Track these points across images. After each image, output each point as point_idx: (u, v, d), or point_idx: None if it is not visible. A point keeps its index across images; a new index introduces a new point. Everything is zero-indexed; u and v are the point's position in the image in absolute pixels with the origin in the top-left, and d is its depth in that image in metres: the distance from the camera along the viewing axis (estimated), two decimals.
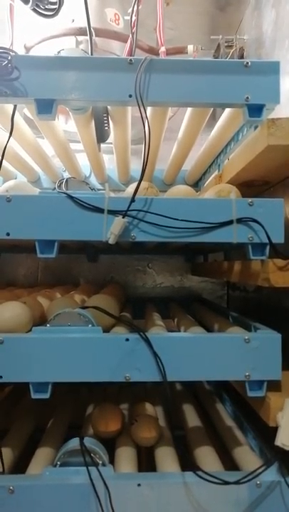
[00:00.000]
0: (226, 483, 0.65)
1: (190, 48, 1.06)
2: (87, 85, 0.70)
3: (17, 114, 0.96)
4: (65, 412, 1.04)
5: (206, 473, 0.67)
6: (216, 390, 1.24)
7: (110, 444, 0.85)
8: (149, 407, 0.99)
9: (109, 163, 1.38)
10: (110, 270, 1.52)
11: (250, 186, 0.99)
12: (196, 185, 1.44)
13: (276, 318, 1.01)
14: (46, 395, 0.69)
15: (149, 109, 0.83)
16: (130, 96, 0.70)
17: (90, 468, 0.70)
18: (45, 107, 0.70)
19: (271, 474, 0.70)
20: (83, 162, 1.31)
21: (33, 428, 0.96)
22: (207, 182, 1.24)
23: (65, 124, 1.52)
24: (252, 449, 0.85)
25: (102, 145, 1.22)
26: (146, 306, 1.30)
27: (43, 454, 0.82)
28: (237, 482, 0.65)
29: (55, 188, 0.72)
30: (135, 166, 1.30)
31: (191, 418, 1.01)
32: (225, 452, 0.87)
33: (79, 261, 1.51)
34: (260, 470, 0.66)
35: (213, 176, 1.13)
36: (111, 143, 1.09)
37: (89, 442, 0.75)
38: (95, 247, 1.47)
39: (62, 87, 0.70)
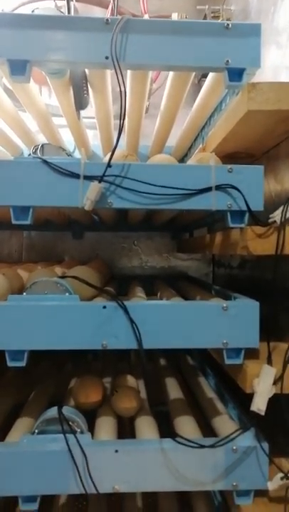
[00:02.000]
0: (202, 446, 0.65)
1: (174, 16, 1.03)
2: (61, 46, 0.68)
3: None
4: (48, 386, 1.04)
5: (182, 437, 0.67)
6: (200, 365, 1.24)
7: (92, 416, 0.85)
8: (130, 379, 0.99)
9: (94, 139, 1.35)
10: (96, 248, 1.50)
11: (234, 159, 0.97)
12: (182, 161, 1.43)
13: (259, 292, 1.01)
14: (22, 363, 0.68)
15: (128, 75, 0.81)
16: (107, 58, 0.67)
17: (67, 435, 0.70)
18: (19, 68, 0.67)
19: (247, 440, 0.71)
20: (68, 138, 1.29)
21: (14, 403, 0.96)
22: (192, 157, 1.22)
23: (49, 98, 1.49)
24: (231, 418, 0.86)
25: (86, 120, 1.20)
26: (131, 284, 1.30)
27: (22, 424, 0.82)
28: (212, 446, 0.66)
29: (30, 154, 0.70)
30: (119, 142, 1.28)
31: (174, 391, 1.02)
32: (206, 424, 0.87)
33: (64, 238, 1.49)
34: (235, 434, 0.66)
35: (197, 150, 1.12)
36: (94, 117, 1.07)
37: (67, 411, 0.75)
38: (80, 224, 1.46)
39: (36, 47, 0.67)
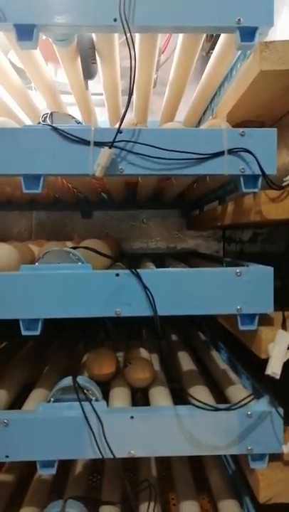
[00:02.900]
0: (217, 409, 0.65)
1: None
2: (68, 9, 0.66)
3: (3, 58, 0.92)
4: (61, 362, 1.05)
5: (197, 400, 0.67)
6: (212, 341, 1.24)
7: (106, 389, 0.86)
8: (143, 352, 0.99)
9: (101, 116, 1.34)
10: (105, 226, 1.50)
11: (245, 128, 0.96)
12: None
13: (271, 264, 1.00)
14: (36, 332, 0.68)
15: (137, 45, 0.80)
16: (115, 20, 0.66)
17: (83, 403, 0.70)
18: (26, 34, 0.66)
19: (262, 405, 0.71)
20: (76, 115, 1.27)
21: (27, 379, 0.97)
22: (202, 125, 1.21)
23: (55, 75, 1.47)
24: (245, 387, 0.86)
25: (93, 97, 1.19)
26: (141, 261, 1.30)
27: (37, 394, 0.83)
28: (227, 409, 0.66)
29: (39, 122, 0.69)
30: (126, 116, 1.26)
31: (186, 364, 1.02)
32: (220, 394, 0.88)
33: (73, 217, 1.49)
34: (249, 399, 0.66)
35: (207, 121, 1.10)
36: (101, 93, 1.06)
37: (82, 380, 0.76)
38: (89, 203, 1.45)
39: (43, 10, 0.66)
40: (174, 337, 1.29)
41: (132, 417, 0.70)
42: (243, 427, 0.70)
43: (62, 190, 1.23)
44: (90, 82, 0.92)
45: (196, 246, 1.53)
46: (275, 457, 0.72)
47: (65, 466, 0.95)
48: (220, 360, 1.05)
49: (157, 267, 1.11)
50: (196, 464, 0.96)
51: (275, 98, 0.78)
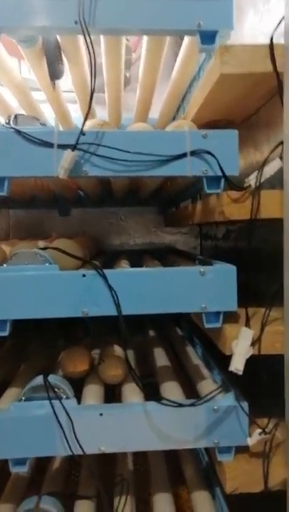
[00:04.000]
0: (181, 405, 0.67)
1: None
2: (31, 11, 0.66)
3: None
4: (38, 360, 1.06)
5: (164, 398, 0.69)
6: (188, 336, 1.27)
7: (80, 386, 0.87)
8: (117, 349, 1.01)
9: (76, 112, 1.34)
10: (83, 224, 1.51)
11: (214, 127, 0.97)
12: None
13: (242, 260, 1.02)
14: (5, 333, 0.69)
15: (102, 44, 0.80)
16: (76, 22, 0.66)
17: (53, 401, 0.72)
18: None
19: (228, 400, 0.73)
20: (50, 113, 1.27)
21: (5, 378, 0.98)
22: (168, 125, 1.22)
23: (29, 73, 1.46)
24: (215, 382, 0.88)
25: (68, 94, 1.18)
26: (118, 258, 1.31)
27: (11, 393, 0.84)
28: (192, 405, 0.68)
29: (3, 125, 0.70)
30: (100, 114, 1.27)
31: (161, 360, 1.04)
32: (191, 389, 0.90)
33: (51, 216, 1.49)
34: (213, 394, 0.69)
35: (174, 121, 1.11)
36: (73, 91, 1.06)
37: (53, 379, 0.77)
38: (66, 201, 1.45)
39: (5, 12, 0.66)
40: (151, 332, 1.30)
41: (101, 414, 0.72)
42: (209, 421, 0.72)
43: (38, 189, 1.23)
44: (64, 77, 0.92)
45: (174, 242, 1.55)
46: (241, 449, 0.74)
47: (47, 460, 0.97)
48: (194, 355, 1.08)
49: (134, 264, 1.12)
50: (173, 458, 0.98)
51: (238, 99, 0.80)
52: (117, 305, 0.67)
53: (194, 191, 1.22)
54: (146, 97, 1.07)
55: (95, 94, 0.70)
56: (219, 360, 0.96)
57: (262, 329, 0.71)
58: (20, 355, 1.13)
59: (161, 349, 1.12)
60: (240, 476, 0.73)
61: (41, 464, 0.96)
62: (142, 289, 0.70)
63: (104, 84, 0.99)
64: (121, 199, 1.44)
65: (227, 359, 0.73)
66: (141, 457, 1.03)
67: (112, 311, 0.69)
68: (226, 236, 1.20)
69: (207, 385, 0.85)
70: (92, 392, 0.83)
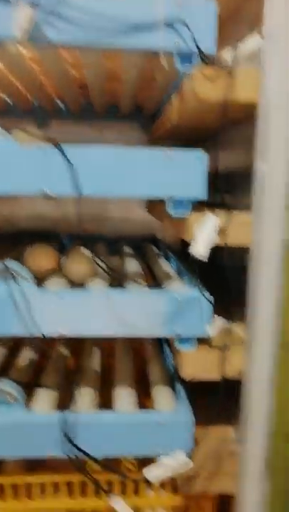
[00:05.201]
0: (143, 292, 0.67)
1: None
2: None
3: None
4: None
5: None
6: (164, 253, 1.26)
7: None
8: (85, 250, 0.99)
9: None
10: (61, 138, 1.44)
11: None
12: None
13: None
14: None
15: None
16: None
17: (13, 286, 0.71)
18: None
19: (191, 290, 0.73)
20: None
21: None
22: None
23: None
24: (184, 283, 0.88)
25: None
26: None
27: None
28: (149, 286, 0.67)
29: None
30: None
31: (132, 266, 1.04)
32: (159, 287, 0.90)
33: (29, 127, 1.42)
34: (176, 282, 0.68)
35: None
36: None
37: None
38: (45, 111, 1.39)
39: None
40: (127, 249, 1.30)
41: (61, 297, 0.71)
42: (171, 310, 0.72)
43: (14, 95, 1.17)
44: None
45: None
46: (202, 342, 0.75)
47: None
48: (167, 265, 1.07)
49: None
50: (141, 360, 1.01)
51: None
52: (76, 182, 0.65)
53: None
54: None
55: None
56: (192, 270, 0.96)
57: (228, 218, 0.70)
58: None
59: (134, 259, 1.11)
60: (199, 364, 0.75)
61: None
62: (103, 168, 0.67)
63: None
64: (102, 113, 1.37)
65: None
66: (109, 354, 1.05)
67: (70, 190, 0.66)
68: None
69: (174, 282, 0.85)
70: (55, 283, 0.82)
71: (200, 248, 0.66)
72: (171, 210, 0.70)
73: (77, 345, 1.09)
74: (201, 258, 0.67)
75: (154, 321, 0.73)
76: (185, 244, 0.72)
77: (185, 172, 0.68)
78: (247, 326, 0.73)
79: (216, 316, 0.71)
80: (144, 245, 1.37)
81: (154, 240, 1.43)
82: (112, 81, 1.05)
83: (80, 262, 0.85)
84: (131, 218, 1.51)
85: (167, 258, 1.20)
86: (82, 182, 0.66)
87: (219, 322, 0.70)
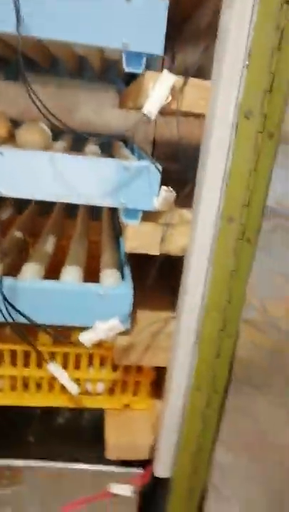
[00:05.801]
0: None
1: None
2: None
3: None
4: None
5: None
6: None
7: None
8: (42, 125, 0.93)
9: None
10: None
11: None
12: None
13: None
14: None
15: None
16: None
17: None
18: None
19: (141, 161, 0.70)
20: None
21: None
22: None
23: None
24: None
25: None
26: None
27: None
28: None
29: None
30: None
31: None
32: None
33: None
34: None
35: None
36: None
37: None
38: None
39: None
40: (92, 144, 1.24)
41: (1, 153, 0.67)
42: (119, 179, 0.69)
43: None
44: None
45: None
46: (148, 218, 0.73)
47: None
48: (128, 153, 1.03)
49: None
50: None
51: None
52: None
53: None
54: None
55: None
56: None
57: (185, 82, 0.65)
58: None
59: (96, 147, 1.07)
60: (142, 238, 0.73)
61: None
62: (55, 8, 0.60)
63: None
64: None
65: None
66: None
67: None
68: None
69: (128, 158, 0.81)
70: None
71: (151, 108, 0.62)
72: (126, 67, 0.64)
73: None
74: (149, 115, 0.63)
75: (100, 188, 0.70)
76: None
77: (144, 20, 0.62)
78: (194, 203, 0.72)
79: (163, 187, 0.69)
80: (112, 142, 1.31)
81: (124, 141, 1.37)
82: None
83: (35, 133, 0.80)
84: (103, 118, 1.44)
85: (132, 151, 1.16)
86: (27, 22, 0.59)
87: (166, 194, 0.67)
